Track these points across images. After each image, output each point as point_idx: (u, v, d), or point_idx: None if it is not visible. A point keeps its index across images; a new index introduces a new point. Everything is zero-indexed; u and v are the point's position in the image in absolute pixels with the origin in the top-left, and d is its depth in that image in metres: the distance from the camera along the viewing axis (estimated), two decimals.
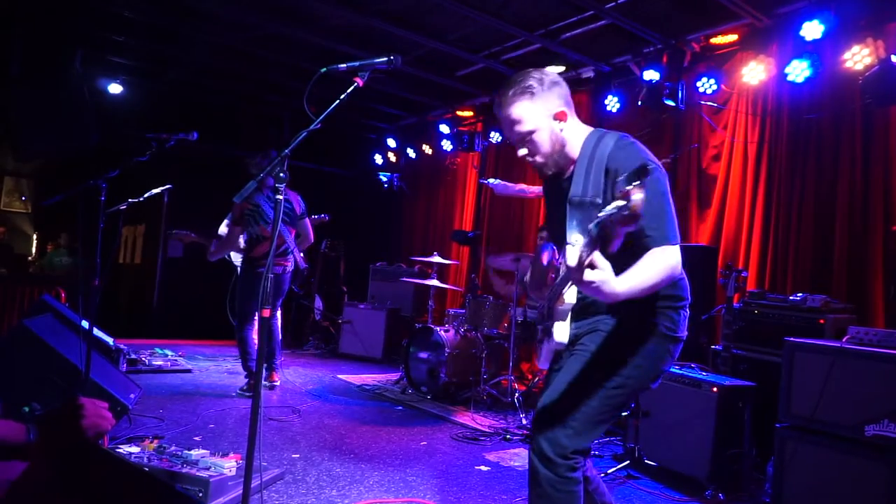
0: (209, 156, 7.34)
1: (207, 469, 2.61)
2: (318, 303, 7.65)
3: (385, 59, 1.98)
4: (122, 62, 6.74)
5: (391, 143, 8.32)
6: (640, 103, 5.02)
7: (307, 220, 4.83)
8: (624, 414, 3.43)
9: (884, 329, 3.02)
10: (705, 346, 4.05)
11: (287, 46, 6.00)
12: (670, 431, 3.35)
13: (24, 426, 1.38)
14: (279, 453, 3.34)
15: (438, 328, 5.10)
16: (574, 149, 1.89)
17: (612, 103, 5.47)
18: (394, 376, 5.79)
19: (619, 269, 1.60)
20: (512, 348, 4.84)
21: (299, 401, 4.65)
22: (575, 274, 1.48)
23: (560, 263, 1.86)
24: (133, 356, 5.20)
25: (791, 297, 3.61)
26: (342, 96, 1.94)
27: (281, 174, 1.86)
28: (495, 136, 6.90)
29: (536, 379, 5.56)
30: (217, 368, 5.71)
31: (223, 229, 5.81)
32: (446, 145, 7.40)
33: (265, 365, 4.67)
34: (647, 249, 1.68)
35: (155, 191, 3.72)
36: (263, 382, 4.58)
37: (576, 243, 1.66)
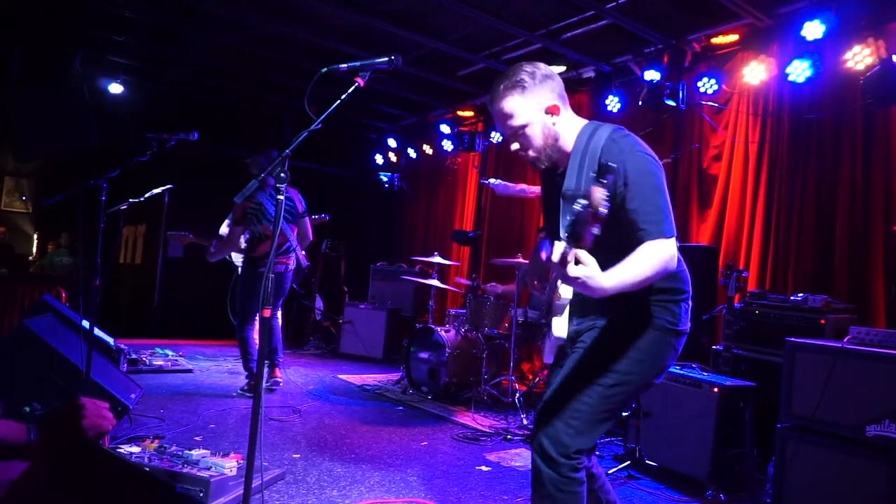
0: (210, 156, 7.34)
1: (208, 469, 2.61)
2: (319, 303, 7.65)
3: (386, 59, 1.98)
4: (123, 62, 6.74)
5: (392, 143, 8.32)
6: (640, 103, 5.02)
7: (307, 218, 4.84)
8: (625, 414, 3.43)
9: (885, 329, 3.01)
10: (706, 347, 4.04)
11: (287, 46, 6.00)
12: (671, 432, 3.34)
13: (25, 426, 1.38)
14: (280, 453, 3.34)
15: (439, 328, 5.10)
16: (568, 142, 1.87)
17: (613, 103, 5.47)
18: (394, 376, 5.79)
19: (613, 263, 1.60)
20: (513, 348, 4.84)
21: (300, 401, 4.65)
22: (559, 269, 1.48)
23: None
24: (134, 356, 5.20)
25: (792, 298, 3.61)
26: (343, 96, 1.94)
27: (282, 174, 1.86)
28: (496, 136, 6.90)
29: (537, 379, 5.56)
30: (218, 368, 5.71)
31: (224, 229, 5.80)
32: (447, 145, 7.40)
33: (267, 362, 4.68)
34: (642, 243, 1.66)
35: (156, 191, 3.73)
36: (265, 384, 4.60)
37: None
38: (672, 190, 1.80)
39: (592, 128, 1.85)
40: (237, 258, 5.84)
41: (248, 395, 4.61)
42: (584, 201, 1.35)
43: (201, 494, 2.46)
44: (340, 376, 5.82)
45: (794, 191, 4.45)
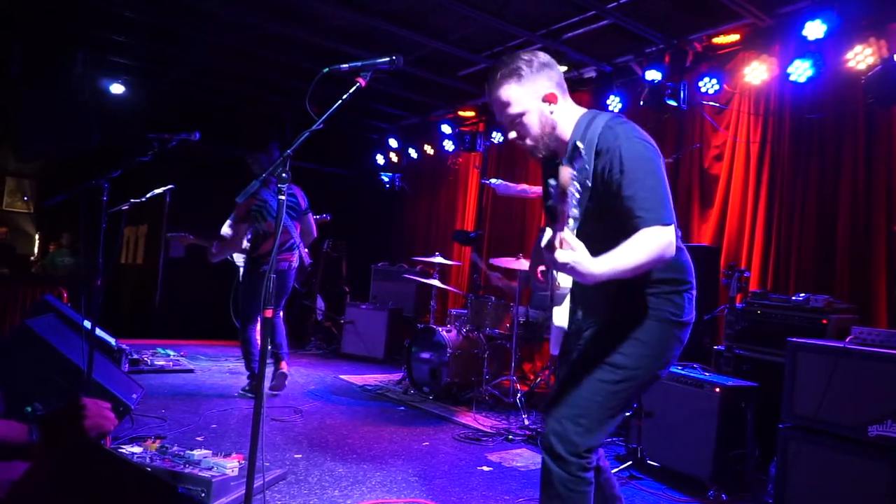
0: (211, 156, 7.35)
1: (210, 469, 2.60)
2: (320, 303, 7.65)
3: (387, 59, 1.98)
4: (124, 62, 6.75)
5: (393, 143, 8.33)
6: (642, 103, 5.02)
7: (311, 215, 4.83)
8: (627, 414, 3.43)
9: (887, 329, 3.01)
10: (708, 347, 4.04)
11: (288, 46, 6.01)
12: (673, 432, 3.34)
13: (27, 426, 1.38)
14: (281, 453, 3.34)
15: (440, 328, 5.10)
16: (566, 131, 1.85)
17: (614, 103, 5.46)
18: (396, 377, 5.79)
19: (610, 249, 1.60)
20: (514, 349, 4.83)
21: (301, 401, 4.65)
22: (547, 255, 1.49)
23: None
24: (135, 356, 5.21)
25: (794, 298, 3.60)
26: (345, 96, 1.94)
27: (283, 174, 1.86)
28: (497, 137, 6.90)
29: (539, 379, 5.55)
30: (219, 369, 5.71)
31: (226, 230, 5.80)
32: (448, 145, 7.40)
33: (273, 354, 4.64)
34: (638, 230, 1.64)
35: (157, 191, 3.73)
36: (273, 381, 4.57)
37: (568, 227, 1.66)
38: (673, 190, 1.78)
39: (590, 116, 1.83)
40: (238, 258, 5.84)
41: (249, 395, 4.61)
42: (552, 181, 1.37)
43: (203, 495, 2.46)
44: (342, 376, 5.82)
45: (795, 191, 4.44)
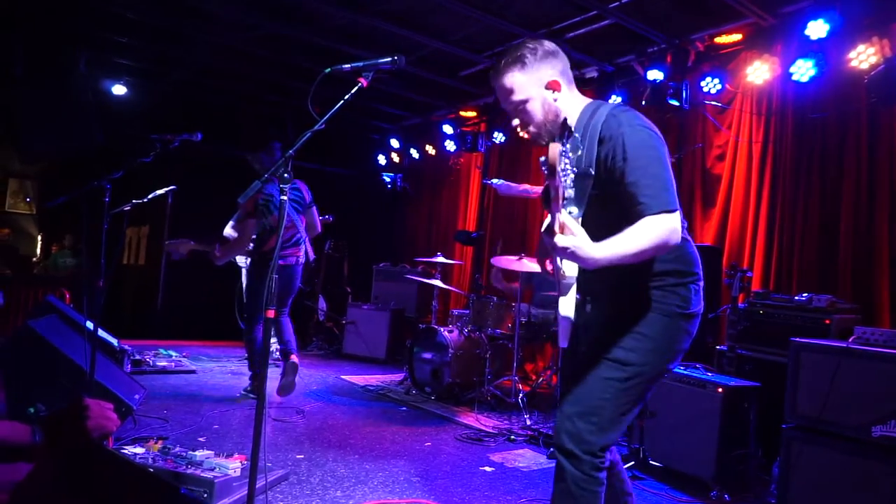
0: (213, 156, 7.35)
1: (212, 470, 2.60)
2: (322, 303, 7.65)
3: (389, 59, 1.98)
4: (126, 63, 6.76)
5: (394, 143, 8.32)
6: (644, 103, 5.01)
7: (315, 209, 4.80)
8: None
9: (890, 329, 3.00)
10: (710, 347, 4.03)
11: (290, 47, 6.01)
12: (675, 432, 3.34)
13: (30, 427, 1.38)
14: (283, 454, 3.34)
15: (442, 329, 5.10)
16: (570, 119, 1.86)
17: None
18: (398, 377, 5.78)
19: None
20: (516, 349, 4.83)
21: (303, 401, 4.65)
22: (548, 240, 1.49)
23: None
24: (137, 357, 5.21)
25: (796, 297, 3.59)
26: (346, 97, 1.94)
27: (285, 174, 1.87)
28: (499, 137, 6.89)
29: (541, 379, 5.55)
30: (221, 369, 5.72)
31: (228, 230, 5.79)
32: (449, 146, 7.40)
33: (281, 352, 4.60)
34: (642, 217, 1.63)
35: (159, 192, 3.73)
36: (285, 379, 4.52)
37: (572, 215, 1.66)
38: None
39: (595, 105, 1.84)
40: (241, 259, 5.84)
41: (251, 396, 4.61)
42: (542, 158, 1.37)
43: (205, 495, 2.46)
44: (343, 377, 5.82)
45: (797, 190, 4.43)
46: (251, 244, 4.62)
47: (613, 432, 1.77)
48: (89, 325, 3.10)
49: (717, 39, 4.93)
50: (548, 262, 2.12)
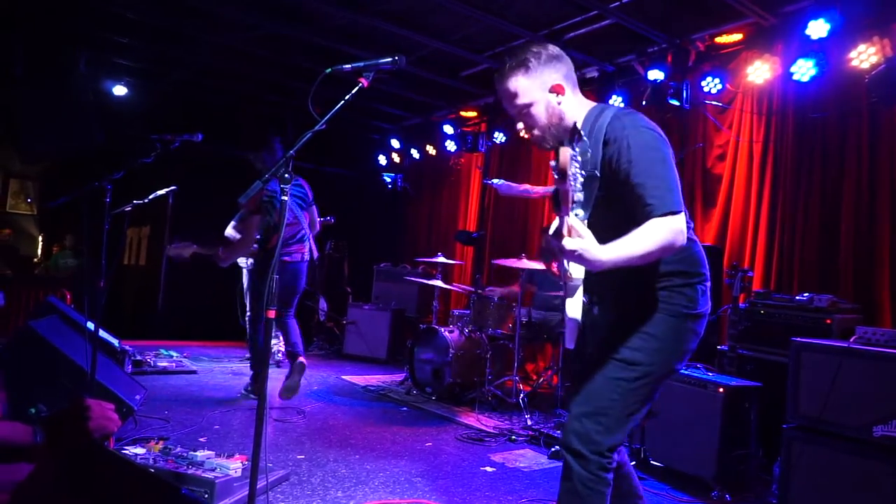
0: (214, 157, 7.35)
1: (213, 470, 2.61)
2: (323, 303, 7.65)
3: (390, 59, 1.98)
4: (126, 63, 6.76)
5: (395, 143, 8.32)
6: (644, 103, 5.01)
7: (315, 208, 4.77)
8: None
9: (891, 329, 3.00)
10: (711, 346, 4.03)
11: (290, 47, 6.01)
12: (676, 432, 3.33)
13: (31, 428, 1.39)
14: (284, 454, 3.34)
15: (443, 329, 5.10)
16: (575, 122, 1.88)
17: (617, 103, 5.46)
18: (398, 377, 5.78)
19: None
20: (517, 349, 4.83)
21: (304, 402, 4.65)
22: (556, 244, 1.51)
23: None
24: (138, 357, 5.21)
25: (797, 297, 3.59)
26: (347, 97, 1.94)
27: (286, 175, 1.87)
28: (499, 137, 6.89)
29: (541, 380, 5.55)
30: (222, 369, 5.72)
31: (230, 231, 5.80)
32: (450, 146, 7.40)
33: (288, 353, 4.51)
34: (648, 218, 1.64)
35: (160, 192, 3.73)
36: (290, 380, 4.47)
37: (578, 217, 1.67)
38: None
39: (600, 109, 1.86)
40: (241, 259, 5.83)
41: (252, 396, 4.61)
42: (552, 162, 1.39)
43: (206, 496, 2.46)
44: (344, 377, 5.82)
45: (798, 190, 4.43)
46: (255, 243, 4.58)
47: (621, 432, 1.78)
48: (90, 325, 3.10)
49: (718, 39, 4.93)
50: (554, 264, 2.13)
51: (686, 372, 3.41)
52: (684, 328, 1.81)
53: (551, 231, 1.52)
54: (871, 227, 4.00)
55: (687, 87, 4.88)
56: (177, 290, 7.83)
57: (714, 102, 4.97)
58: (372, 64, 1.98)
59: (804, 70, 4.21)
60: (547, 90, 1.85)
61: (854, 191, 4.10)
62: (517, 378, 4.83)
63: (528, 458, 3.67)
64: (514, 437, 4.05)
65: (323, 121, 1.90)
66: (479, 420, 4.45)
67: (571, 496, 1.75)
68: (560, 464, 1.83)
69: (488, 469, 3.43)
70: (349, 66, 1.99)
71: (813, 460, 2.79)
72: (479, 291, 5.37)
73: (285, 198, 1.89)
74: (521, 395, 4.64)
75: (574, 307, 1.78)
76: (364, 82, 1.98)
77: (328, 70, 1.97)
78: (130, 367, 4.78)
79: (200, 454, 2.73)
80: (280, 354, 6.01)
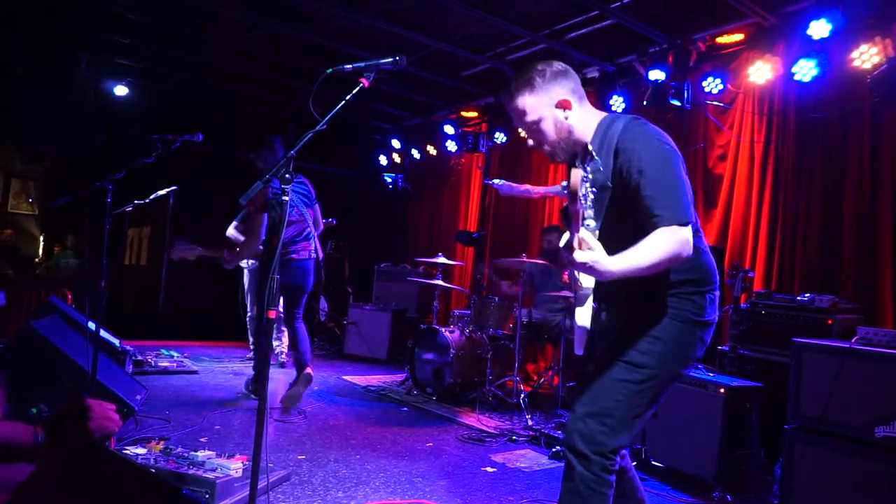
0: (214, 157, 7.35)
1: (214, 470, 2.61)
2: (323, 303, 7.66)
3: (390, 59, 1.98)
4: (127, 64, 6.77)
5: (395, 143, 8.33)
6: (645, 103, 5.01)
7: (318, 206, 4.73)
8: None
9: (892, 330, 2.99)
10: (712, 347, 4.03)
11: (291, 47, 6.01)
12: (677, 432, 3.33)
13: (32, 428, 1.39)
14: (285, 454, 3.34)
15: (443, 329, 5.10)
16: (585, 135, 1.90)
17: (618, 103, 5.45)
18: (399, 377, 5.78)
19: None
20: (517, 349, 4.83)
21: (304, 402, 4.62)
22: (567, 256, 1.54)
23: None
24: (139, 357, 5.21)
25: (798, 298, 3.59)
26: (348, 97, 1.94)
27: (286, 175, 1.87)
28: (500, 137, 6.89)
29: (542, 380, 5.55)
30: (223, 370, 5.72)
31: (231, 231, 5.80)
32: (451, 146, 7.40)
33: (295, 359, 4.38)
34: (656, 229, 1.67)
35: (161, 192, 3.73)
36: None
37: (589, 228, 1.70)
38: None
39: (610, 119, 1.89)
40: (243, 260, 5.83)
41: (252, 396, 4.60)
42: (564, 182, 1.44)
43: (207, 496, 2.46)
44: (345, 377, 5.82)
45: (799, 190, 4.43)
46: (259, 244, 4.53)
47: (625, 435, 1.79)
48: (91, 325, 3.10)
49: (719, 39, 4.93)
50: (566, 273, 2.16)
51: (687, 372, 3.41)
52: (691, 334, 1.84)
53: (562, 243, 1.56)
54: (873, 227, 3.99)
55: (688, 88, 4.88)
56: (178, 290, 7.84)
57: (715, 103, 4.96)
58: (373, 64, 1.98)
59: (805, 70, 4.21)
60: (554, 106, 1.88)
61: (855, 191, 4.10)
62: (518, 378, 4.83)
63: (528, 459, 3.67)
64: (514, 437, 4.04)
65: (324, 121, 1.91)
66: (480, 420, 4.45)
67: (573, 496, 1.76)
68: (561, 464, 1.84)
69: (489, 469, 3.43)
70: (350, 66, 1.99)
71: (814, 461, 2.79)
72: (485, 287, 5.36)
73: (286, 197, 1.89)
74: (522, 395, 4.64)
75: (584, 315, 1.82)
76: (365, 82, 1.98)
77: (329, 70, 1.97)
78: (131, 367, 4.78)
79: (201, 454, 2.74)
80: (284, 356, 6.02)
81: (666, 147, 1.76)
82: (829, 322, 3.39)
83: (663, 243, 1.64)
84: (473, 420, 4.45)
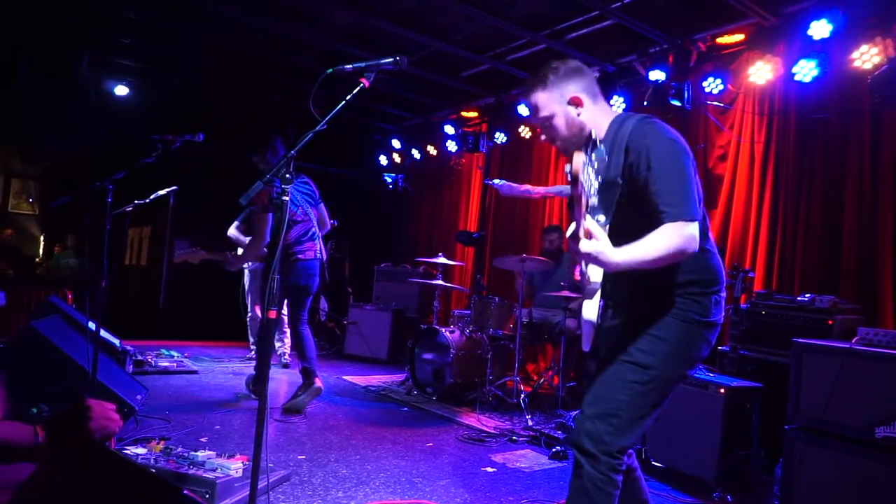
0: (215, 157, 7.36)
1: (214, 470, 2.61)
2: (324, 304, 7.66)
3: (391, 59, 1.99)
4: (128, 64, 6.77)
5: (396, 143, 8.33)
6: (645, 103, 5.00)
7: (323, 205, 4.70)
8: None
9: (893, 330, 2.99)
10: (712, 347, 4.03)
11: (291, 47, 6.02)
12: (678, 433, 3.33)
13: (32, 428, 1.38)
14: (285, 454, 3.34)
15: (444, 329, 5.10)
16: (598, 132, 1.91)
17: (618, 103, 5.45)
18: (399, 377, 5.78)
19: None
20: (517, 349, 4.82)
21: None
22: (573, 245, 1.56)
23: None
24: (139, 357, 5.21)
25: (799, 298, 3.59)
26: (348, 97, 1.95)
27: (287, 175, 1.87)
28: (500, 137, 6.90)
29: (542, 380, 5.55)
30: (223, 370, 5.72)
31: (232, 231, 5.80)
32: (451, 146, 7.40)
33: (303, 370, 4.31)
34: (663, 224, 1.69)
35: (161, 192, 3.73)
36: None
37: (600, 223, 1.72)
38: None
39: (623, 118, 1.91)
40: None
41: (252, 396, 4.60)
42: (567, 167, 1.47)
43: (207, 496, 2.46)
44: (345, 377, 5.82)
45: (800, 191, 4.43)
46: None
47: (632, 434, 1.80)
48: (91, 325, 3.10)
49: (720, 39, 4.93)
50: (576, 268, 2.17)
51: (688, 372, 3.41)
52: (696, 335, 1.86)
53: (569, 234, 1.57)
54: (874, 227, 3.99)
55: (688, 88, 4.88)
56: (178, 291, 7.85)
57: (715, 103, 4.96)
58: (373, 64, 1.99)
59: (806, 70, 4.21)
60: (566, 102, 1.92)
61: (856, 191, 4.09)
62: (518, 378, 4.83)
63: (528, 459, 3.67)
64: (514, 437, 4.04)
65: (324, 122, 1.91)
66: (480, 420, 4.45)
67: (580, 495, 1.78)
68: (561, 464, 1.85)
69: (489, 469, 3.43)
70: (350, 66, 2.00)
71: (815, 461, 2.78)
72: (484, 287, 5.36)
73: (286, 198, 1.89)
74: (522, 395, 4.63)
75: (591, 309, 1.83)
76: (365, 83, 1.98)
77: (329, 70, 1.98)
78: (132, 367, 4.78)
79: (201, 454, 2.74)
80: (286, 357, 6.02)
81: (677, 145, 1.78)
82: (830, 322, 3.39)
83: (668, 238, 1.66)
84: (473, 420, 4.45)
